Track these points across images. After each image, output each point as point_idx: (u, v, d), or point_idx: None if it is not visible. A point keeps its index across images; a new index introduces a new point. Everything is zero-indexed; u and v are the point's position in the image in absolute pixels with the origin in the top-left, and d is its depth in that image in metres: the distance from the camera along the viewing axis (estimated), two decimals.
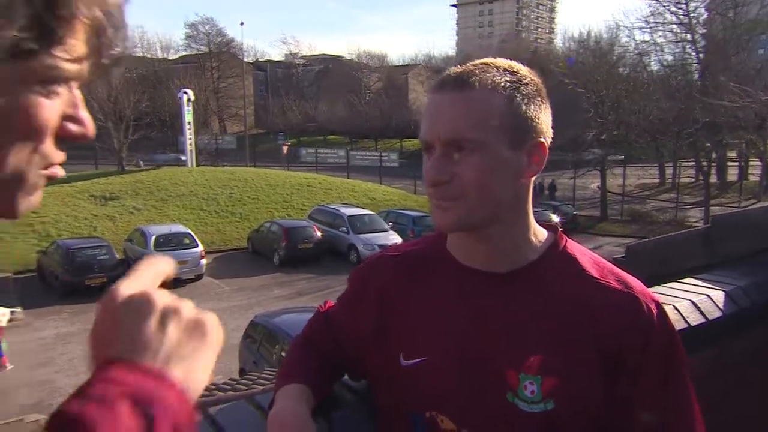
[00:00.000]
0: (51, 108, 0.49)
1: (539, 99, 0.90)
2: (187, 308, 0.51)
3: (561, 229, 1.01)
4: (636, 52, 30.30)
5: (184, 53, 63.04)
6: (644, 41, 30.28)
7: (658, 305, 0.92)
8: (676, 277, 2.00)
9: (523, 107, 0.87)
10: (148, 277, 0.53)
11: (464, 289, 0.94)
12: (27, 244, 17.72)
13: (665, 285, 1.91)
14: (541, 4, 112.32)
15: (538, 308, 0.91)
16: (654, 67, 31.63)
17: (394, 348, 0.97)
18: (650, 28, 29.29)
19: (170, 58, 60.82)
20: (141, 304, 0.49)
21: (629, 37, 34.30)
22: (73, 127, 0.51)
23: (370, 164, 36.28)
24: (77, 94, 0.51)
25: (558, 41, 68.09)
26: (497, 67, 0.89)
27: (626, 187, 28.11)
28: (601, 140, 25.37)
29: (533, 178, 0.92)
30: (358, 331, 1.04)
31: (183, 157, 31.96)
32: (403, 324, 0.98)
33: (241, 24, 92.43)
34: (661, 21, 29.09)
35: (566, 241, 0.97)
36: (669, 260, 2.40)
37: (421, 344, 0.95)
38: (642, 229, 23.16)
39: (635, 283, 0.93)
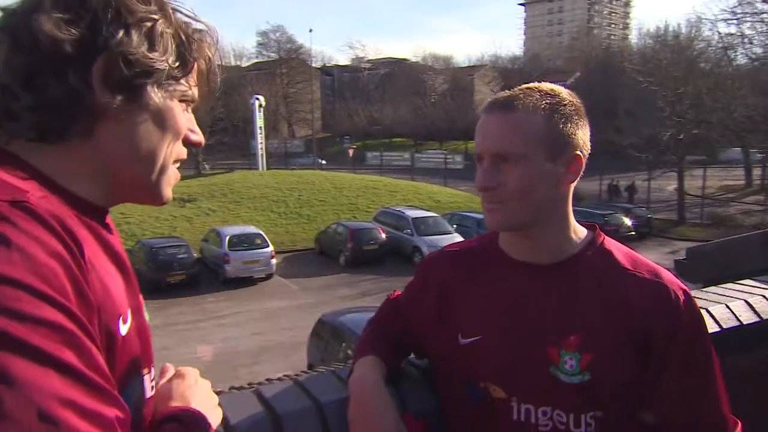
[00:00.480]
0: (183, 118, 0.76)
1: (576, 117, 1.03)
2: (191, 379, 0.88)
3: (599, 228, 1.13)
4: (720, 45, 28.53)
5: (256, 60, 65.42)
6: (730, 34, 28.51)
7: (686, 293, 1.03)
8: (736, 279, 2.01)
9: (561, 125, 1.01)
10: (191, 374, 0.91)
11: (512, 279, 1.08)
12: None
13: (721, 285, 1.94)
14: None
15: (577, 295, 1.03)
16: (741, 60, 29.66)
17: (453, 329, 1.11)
18: (737, 19, 27.48)
19: (243, 65, 63.00)
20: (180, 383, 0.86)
21: (712, 30, 32.12)
22: (193, 136, 0.79)
23: (434, 166, 36.21)
24: (192, 116, 0.79)
25: (633, 37, 64.72)
26: (539, 91, 1.03)
27: (707, 189, 26.46)
28: (678, 140, 24.09)
29: (572, 185, 1.06)
30: (421, 316, 1.20)
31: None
32: (461, 309, 1.12)
33: (310, 31, 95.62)
34: (750, 11, 27.18)
35: (603, 238, 1.10)
36: (730, 262, 2.36)
37: (476, 325, 1.09)
38: (724, 233, 21.68)
39: (665, 273, 1.05)
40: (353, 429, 1.08)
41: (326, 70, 74.33)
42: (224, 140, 34.31)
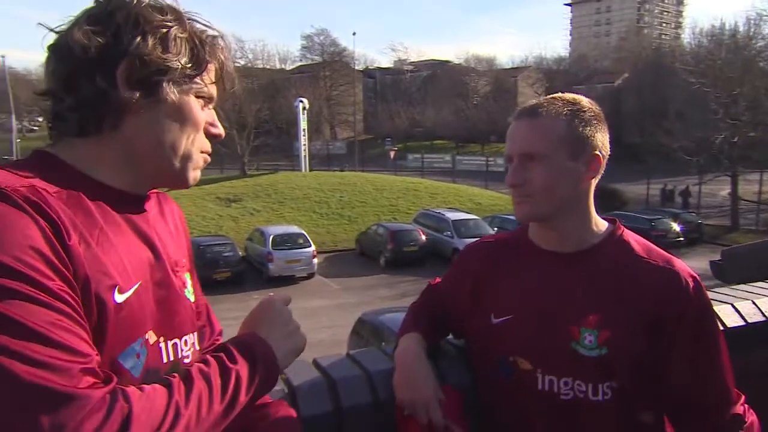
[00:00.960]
0: (201, 112, 0.87)
1: (595, 122, 1.16)
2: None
3: (618, 221, 1.25)
4: None
5: (300, 63, 66.28)
6: None
7: (695, 280, 1.13)
8: None
9: (581, 128, 1.14)
10: (283, 297, 1.02)
11: (540, 266, 1.22)
12: None
13: (751, 283, 2.03)
14: None
15: (596, 279, 1.16)
16: None
17: (487, 310, 1.25)
18: None
19: (287, 68, 63.82)
20: (268, 308, 0.99)
21: None
22: (213, 129, 0.90)
23: (476, 169, 35.92)
24: (213, 112, 0.91)
25: (685, 36, 62.19)
26: (562, 100, 1.17)
27: (763, 194, 25.21)
28: (732, 143, 23.08)
29: (593, 182, 1.18)
30: (459, 299, 1.33)
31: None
32: (494, 292, 1.25)
33: (354, 34, 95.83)
34: None
35: (623, 230, 1.22)
36: (764, 263, 2.38)
37: (507, 306, 1.22)
38: None
39: (678, 262, 1.16)
40: (398, 393, 1.21)
41: (368, 73, 74.65)
42: (269, 142, 34.84)
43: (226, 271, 15.94)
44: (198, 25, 0.87)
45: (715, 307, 1.72)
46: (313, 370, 1.32)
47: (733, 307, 1.82)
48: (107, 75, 0.78)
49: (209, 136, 0.91)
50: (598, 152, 1.15)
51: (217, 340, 1.08)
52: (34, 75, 66.48)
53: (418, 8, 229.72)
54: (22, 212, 0.67)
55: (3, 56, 31.96)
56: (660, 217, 20.85)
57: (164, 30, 0.81)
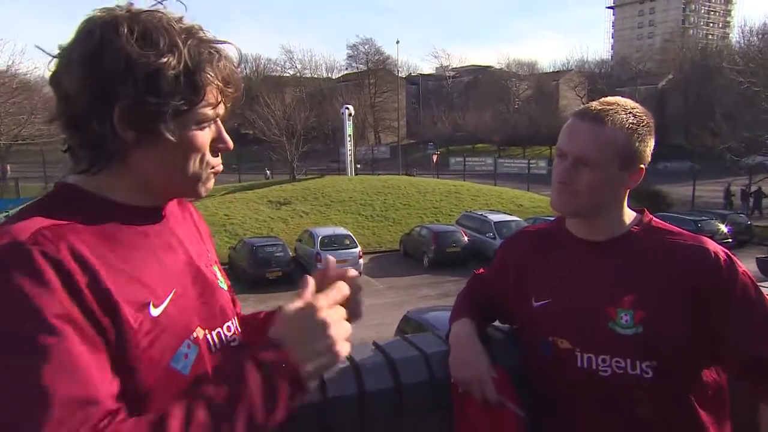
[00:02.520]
0: (204, 136, 0.85)
1: (649, 136, 1.19)
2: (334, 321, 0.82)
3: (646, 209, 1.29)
4: None
5: (346, 72, 67.10)
6: None
7: (727, 254, 1.15)
8: None
9: (637, 144, 1.17)
10: (332, 296, 0.86)
11: (576, 253, 1.27)
12: (221, 241, 19.66)
13: None
14: None
15: (630, 263, 1.20)
16: None
17: (528, 295, 1.30)
18: None
19: (334, 77, 65.02)
20: (303, 313, 0.82)
21: None
22: (220, 144, 0.88)
23: (518, 171, 35.47)
24: (219, 124, 0.88)
25: (734, 36, 59.59)
26: (624, 109, 1.17)
27: None
28: None
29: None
30: (502, 285, 1.39)
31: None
32: (535, 277, 1.30)
33: (397, 42, 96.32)
34: None
35: (651, 218, 1.27)
36: None
37: (547, 291, 1.27)
38: None
39: (708, 240, 1.19)
40: (454, 372, 1.26)
41: (411, 80, 74.77)
42: (316, 147, 35.32)
43: (277, 270, 16.18)
44: (194, 42, 0.80)
45: None
46: (374, 350, 1.37)
47: None
48: (103, 120, 0.77)
49: (218, 150, 0.89)
50: (643, 165, 1.20)
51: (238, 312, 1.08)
52: None
53: (460, 15, 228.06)
54: (35, 278, 0.68)
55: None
56: (707, 218, 20.30)
57: (153, 69, 0.76)
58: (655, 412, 1.15)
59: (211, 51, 0.83)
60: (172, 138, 0.80)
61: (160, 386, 0.78)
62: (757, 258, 13.56)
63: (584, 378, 1.18)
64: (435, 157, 39.66)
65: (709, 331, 1.13)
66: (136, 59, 0.76)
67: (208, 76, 0.82)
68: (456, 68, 76.57)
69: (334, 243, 17.50)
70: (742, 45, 28.76)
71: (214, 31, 0.86)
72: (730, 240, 19.37)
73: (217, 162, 0.90)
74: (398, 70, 64.18)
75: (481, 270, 1.52)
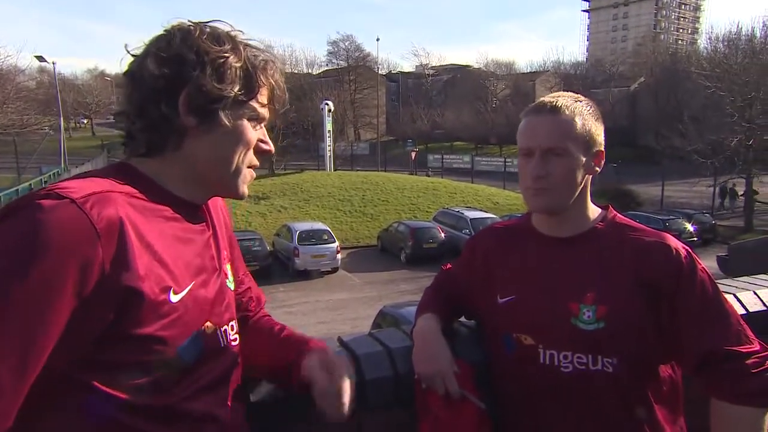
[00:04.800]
0: (252, 132, 0.94)
1: (598, 120, 1.22)
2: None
3: (611, 205, 1.32)
4: None
5: (326, 68, 66.46)
6: None
7: (687, 250, 1.17)
8: None
9: (590, 125, 1.20)
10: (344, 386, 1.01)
11: (541, 249, 1.27)
12: None
13: (754, 276, 2.10)
14: (684, 4, 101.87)
15: (593, 259, 1.20)
16: None
17: (493, 290, 1.29)
18: None
19: (314, 73, 64.40)
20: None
21: None
22: (264, 146, 0.98)
23: (494, 169, 35.66)
24: (264, 129, 0.98)
25: (702, 41, 61.31)
26: (571, 97, 1.22)
27: None
28: (748, 146, 23.05)
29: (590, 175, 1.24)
30: (469, 280, 1.38)
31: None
32: (501, 274, 1.30)
33: (377, 39, 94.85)
34: None
35: (615, 214, 1.28)
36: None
37: (511, 287, 1.26)
38: None
39: (668, 236, 1.20)
40: (417, 367, 1.25)
41: (391, 77, 74.56)
42: (296, 143, 34.92)
43: (254, 264, 15.80)
44: (252, 51, 0.92)
45: None
46: (336, 346, 1.36)
47: (735, 297, 1.83)
48: (171, 103, 0.85)
49: (259, 152, 0.97)
50: (602, 148, 1.23)
51: (261, 309, 1.19)
52: (80, 80, 67.96)
53: (440, 15, 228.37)
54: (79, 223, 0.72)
55: (54, 63, 33.31)
56: (674, 217, 20.85)
57: (221, 60, 0.87)
58: (614, 407, 1.16)
59: (266, 60, 0.94)
60: (227, 123, 0.88)
61: (162, 366, 0.82)
62: (717, 256, 14.16)
63: (546, 374, 1.18)
64: (413, 154, 39.68)
65: (670, 327, 1.14)
66: (206, 51, 0.87)
67: (262, 78, 0.92)
68: (435, 67, 76.40)
69: (312, 238, 17.51)
70: (709, 51, 29.54)
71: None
72: (695, 238, 19.96)
73: (256, 162, 0.98)
74: (378, 68, 63.87)
75: (449, 265, 1.52)
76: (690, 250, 1.19)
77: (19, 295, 0.69)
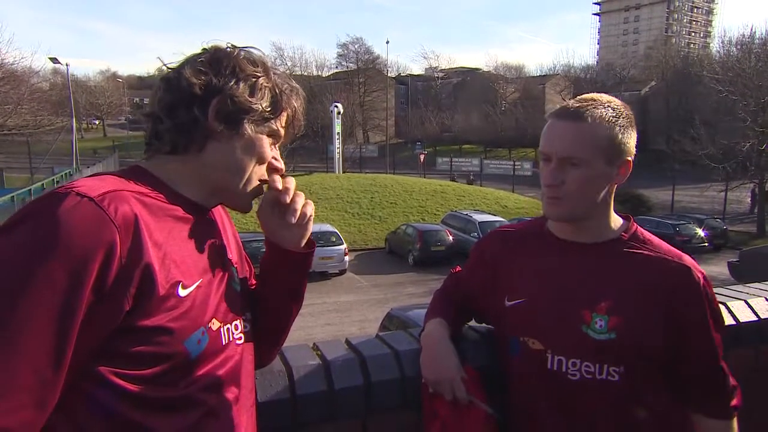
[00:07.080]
0: (268, 149, 1.01)
1: (631, 128, 1.17)
2: None
3: (633, 218, 1.30)
4: None
5: (336, 70, 66.72)
6: None
7: (704, 275, 1.18)
8: None
9: (619, 136, 1.14)
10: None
11: (557, 253, 1.24)
12: None
13: (765, 282, 2.13)
14: (696, 7, 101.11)
15: (611, 270, 1.18)
16: None
17: (501, 293, 1.28)
18: None
19: (323, 75, 64.82)
20: None
21: None
22: (276, 163, 1.04)
23: (503, 173, 35.64)
24: (277, 150, 1.05)
25: (714, 45, 60.43)
26: (602, 103, 1.16)
27: None
28: (760, 150, 22.80)
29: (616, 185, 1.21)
30: (478, 283, 1.36)
31: None
32: (509, 276, 1.28)
33: (387, 42, 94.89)
34: None
35: (636, 227, 1.25)
36: None
37: (521, 290, 1.24)
38: None
39: (687, 258, 1.19)
40: (424, 371, 1.26)
41: (400, 80, 74.62)
42: (305, 145, 35.02)
43: None
44: (280, 77, 1.01)
45: (728, 303, 1.81)
46: (345, 348, 1.37)
47: (747, 303, 1.83)
48: (203, 107, 0.92)
49: (271, 168, 1.03)
50: (629, 157, 1.17)
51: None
52: (92, 82, 68.54)
53: (449, 17, 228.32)
54: (99, 215, 0.77)
55: (67, 64, 33.70)
56: (685, 222, 20.65)
57: (254, 79, 0.96)
58: (619, 415, 1.16)
59: (291, 88, 1.03)
60: (250, 132, 0.96)
61: (165, 358, 0.85)
62: (728, 262, 14.02)
63: (552, 380, 1.17)
64: (422, 157, 39.67)
65: (676, 347, 1.15)
66: (242, 68, 0.96)
67: (286, 102, 1.01)
68: (445, 69, 76.44)
69: (320, 240, 17.26)
70: (722, 54, 29.29)
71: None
72: (706, 244, 19.75)
73: (266, 177, 1.04)
74: (388, 70, 64.15)
75: (458, 268, 1.51)
76: (705, 274, 1.20)
77: (48, 294, 0.73)
